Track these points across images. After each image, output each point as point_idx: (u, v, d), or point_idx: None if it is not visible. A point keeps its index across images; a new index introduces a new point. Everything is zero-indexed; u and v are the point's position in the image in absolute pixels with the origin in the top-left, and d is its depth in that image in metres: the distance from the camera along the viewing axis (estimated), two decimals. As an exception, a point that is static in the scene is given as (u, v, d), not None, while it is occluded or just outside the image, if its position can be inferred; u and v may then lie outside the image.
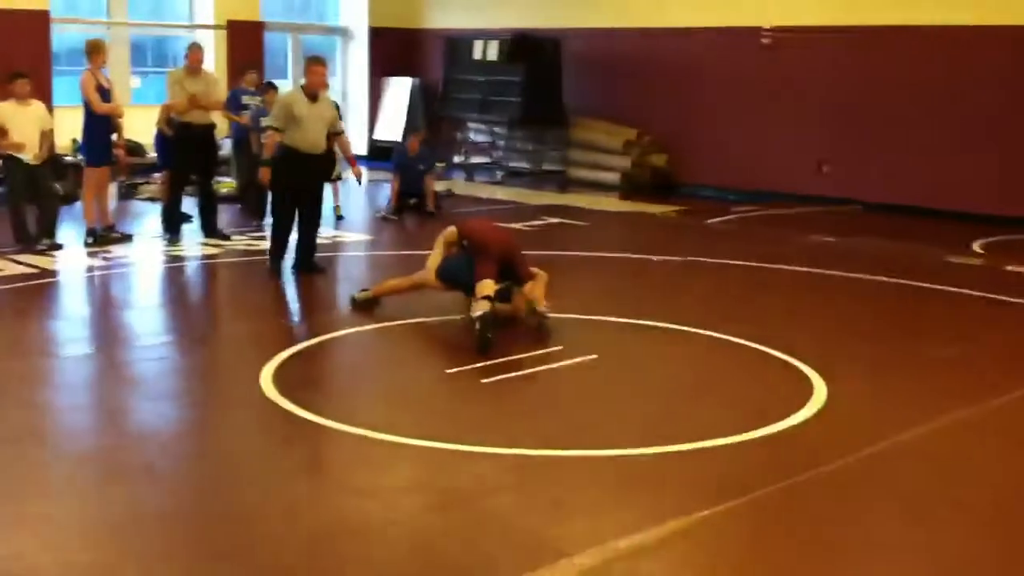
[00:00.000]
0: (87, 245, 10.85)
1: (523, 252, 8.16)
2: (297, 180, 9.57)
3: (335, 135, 9.85)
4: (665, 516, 4.69)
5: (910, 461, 5.56)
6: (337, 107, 9.96)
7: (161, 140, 12.39)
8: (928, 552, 4.56)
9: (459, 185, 17.01)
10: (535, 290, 7.89)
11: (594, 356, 7.23)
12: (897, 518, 4.86)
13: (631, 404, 6.44)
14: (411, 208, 13.37)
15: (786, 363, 7.12)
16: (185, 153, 11.32)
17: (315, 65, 9.66)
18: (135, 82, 18.59)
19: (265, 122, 10.05)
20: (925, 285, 9.90)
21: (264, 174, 9.59)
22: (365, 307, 8.42)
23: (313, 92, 9.56)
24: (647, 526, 4.59)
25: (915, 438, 5.82)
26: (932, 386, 6.86)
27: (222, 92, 13.04)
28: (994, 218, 13.65)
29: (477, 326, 7.28)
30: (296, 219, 9.71)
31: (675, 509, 4.78)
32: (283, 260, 9.89)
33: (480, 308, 7.39)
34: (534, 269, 8.09)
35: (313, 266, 9.89)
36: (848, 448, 5.56)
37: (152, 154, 14.25)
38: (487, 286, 7.60)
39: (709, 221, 13.93)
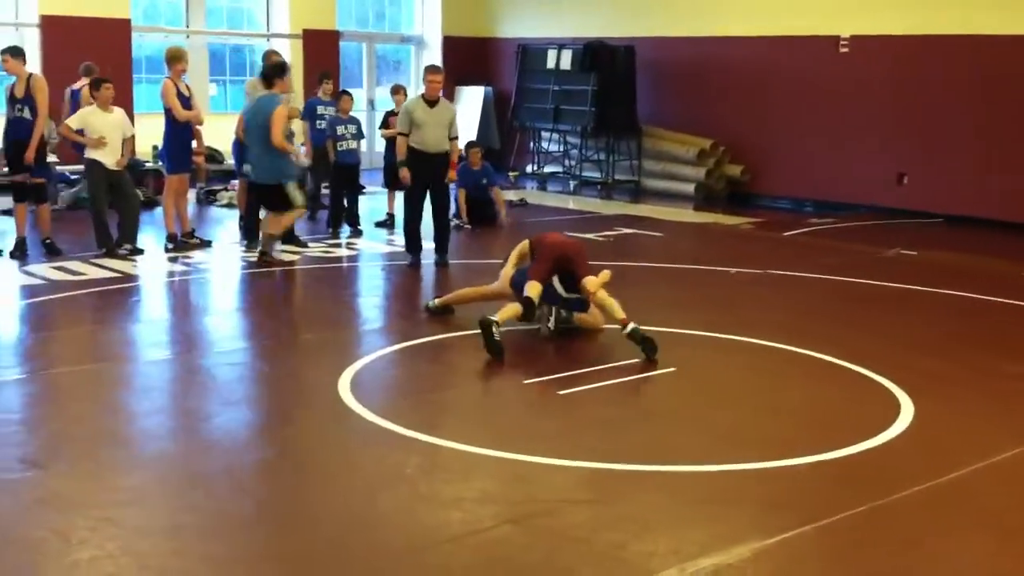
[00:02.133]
0: (167, 251, 11.00)
1: (586, 258, 8.04)
2: (423, 176, 10.40)
3: (452, 139, 10.57)
4: (747, 536, 4.61)
5: (998, 485, 5.41)
6: (455, 112, 10.77)
7: (239, 148, 12.51)
8: (1020, 578, 4.42)
9: (532, 195, 16.99)
10: (606, 300, 7.74)
11: (672, 369, 7.16)
12: (984, 544, 4.73)
13: (711, 419, 6.34)
14: (482, 218, 13.36)
15: (870, 380, 6.98)
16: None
17: (430, 74, 10.56)
18: (212, 90, 18.86)
19: (398, 129, 10.69)
20: (1009, 301, 9.67)
21: (403, 174, 10.42)
22: (439, 314, 8.44)
23: (431, 98, 10.38)
24: (729, 546, 4.50)
25: (1003, 461, 5.65)
26: (1019, 406, 6.67)
27: (300, 101, 13.16)
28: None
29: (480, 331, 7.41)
30: (431, 211, 10.64)
31: (757, 529, 4.69)
32: (421, 250, 10.69)
33: (507, 312, 7.55)
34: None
35: (443, 257, 10.69)
36: (935, 470, 5.42)
37: (230, 161, 14.41)
38: (532, 287, 7.72)
39: (786, 233, 13.74)
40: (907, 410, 6.34)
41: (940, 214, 14.87)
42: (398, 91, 13.51)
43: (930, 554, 4.60)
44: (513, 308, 7.64)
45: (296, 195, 10.58)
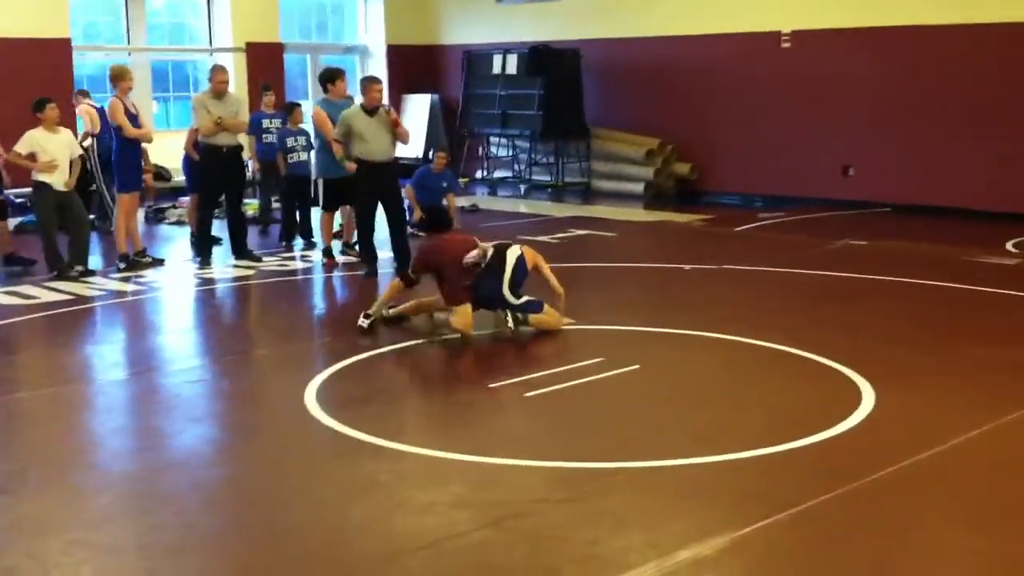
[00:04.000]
0: (119, 270, 10.88)
1: (461, 270, 8.07)
2: (372, 188, 10.34)
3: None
4: (723, 527, 4.65)
5: (962, 466, 5.49)
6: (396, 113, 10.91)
7: (189, 163, 12.45)
8: (984, 558, 4.48)
9: (483, 200, 17.00)
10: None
11: (636, 367, 7.19)
12: (951, 525, 4.80)
13: (677, 414, 6.39)
14: (437, 224, 13.35)
15: (831, 369, 7.06)
16: (213, 175, 11.34)
17: (373, 84, 10.50)
18: (153, 107, 18.68)
19: (333, 136, 10.74)
20: (960, 286, 9.82)
21: (349, 166, 10.48)
22: (394, 324, 8.41)
23: (371, 107, 10.32)
24: (705, 537, 4.54)
25: (966, 442, 5.74)
26: (979, 389, 6.77)
27: (247, 114, 13.08)
28: (1025, 216, 13.57)
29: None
30: (387, 225, 10.52)
31: (732, 520, 4.73)
32: (376, 260, 10.65)
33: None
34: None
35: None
36: (900, 454, 5.49)
37: (178, 178, 14.31)
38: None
39: (737, 228, 13.87)
40: (869, 397, 6.42)
41: (886, 203, 15.07)
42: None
43: (905, 535, 4.66)
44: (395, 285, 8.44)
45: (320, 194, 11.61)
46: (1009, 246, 11.93)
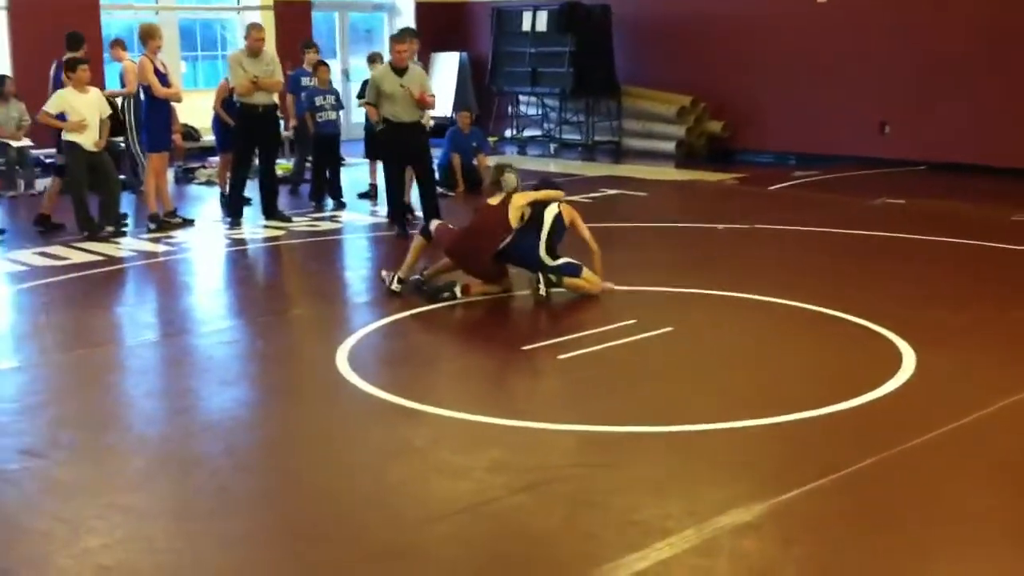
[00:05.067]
0: (150, 231, 10.86)
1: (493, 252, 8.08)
2: (399, 147, 10.35)
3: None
4: (763, 493, 4.56)
5: (1008, 429, 5.38)
6: (426, 75, 10.81)
7: (218, 123, 12.38)
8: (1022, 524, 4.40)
9: (512, 159, 16.84)
10: None
11: (669, 329, 7.10)
12: (1000, 487, 4.71)
13: (713, 377, 6.31)
14: (469, 184, 13.29)
15: (869, 330, 6.94)
16: (249, 135, 11.26)
17: (397, 44, 10.33)
18: (181, 67, 18.61)
19: (365, 100, 10.85)
20: (1001, 246, 9.65)
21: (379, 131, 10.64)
22: (423, 287, 8.26)
23: (399, 68, 10.20)
24: (745, 503, 4.46)
25: (1008, 406, 5.62)
26: (1021, 352, 6.65)
27: (281, 73, 13.00)
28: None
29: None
30: (416, 183, 10.66)
31: (772, 486, 4.64)
32: (406, 221, 10.65)
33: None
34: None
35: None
36: (942, 419, 5.38)
37: (207, 138, 14.26)
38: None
39: (771, 187, 13.70)
40: (910, 359, 6.31)
41: (923, 161, 14.84)
42: (375, 59, 13.36)
43: (948, 500, 4.57)
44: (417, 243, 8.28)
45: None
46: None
